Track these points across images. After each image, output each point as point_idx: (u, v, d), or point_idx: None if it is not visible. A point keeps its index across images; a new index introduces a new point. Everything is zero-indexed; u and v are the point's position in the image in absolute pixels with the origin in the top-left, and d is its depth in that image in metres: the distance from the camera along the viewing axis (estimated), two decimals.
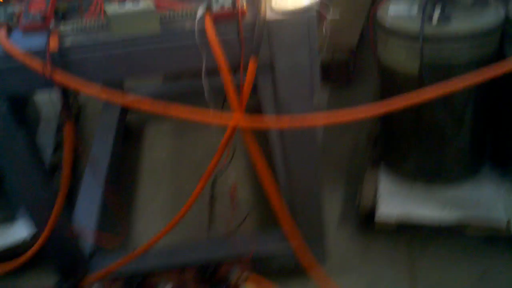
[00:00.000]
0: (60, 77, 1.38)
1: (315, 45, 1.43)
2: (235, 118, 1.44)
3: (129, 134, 2.95)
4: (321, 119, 1.51)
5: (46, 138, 2.63)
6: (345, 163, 2.53)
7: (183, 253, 1.95)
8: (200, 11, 1.36)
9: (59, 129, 2.75)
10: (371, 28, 1.95)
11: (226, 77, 1.39)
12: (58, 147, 2.62)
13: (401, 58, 1.84)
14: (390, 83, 1.97)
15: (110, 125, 2.68)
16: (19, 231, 2.15)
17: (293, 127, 1.57)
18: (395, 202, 2.06)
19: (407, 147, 2.10)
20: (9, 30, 1.47)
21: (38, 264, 2.12)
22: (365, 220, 2.11)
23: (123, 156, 2.74)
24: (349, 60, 3.02)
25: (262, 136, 2.46)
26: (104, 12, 1.39)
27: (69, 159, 1.58)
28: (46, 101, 2.84)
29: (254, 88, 2.75)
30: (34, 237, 1.96)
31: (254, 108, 1.57)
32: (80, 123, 3.05)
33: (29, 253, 1.83)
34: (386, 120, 2.12)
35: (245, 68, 1.42)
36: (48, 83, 1.40)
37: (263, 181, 1.62)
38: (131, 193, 2.56)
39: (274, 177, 1.65)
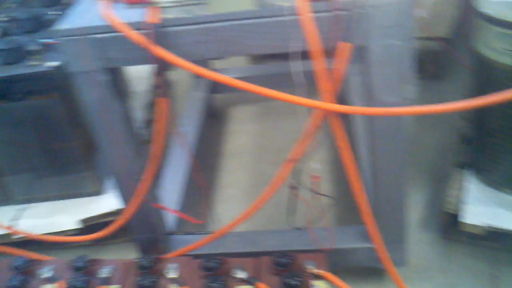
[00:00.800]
0: (159, 50, 1.43)
1: (411, 28, 1.37)
2: (326, 103, 1.42)
3: (214, 115, 3.01)
4: (412, 110, 1.45)
5: (135, 113, 2.72)
6: (431, 164, 2.43)
7: (260, 240, 1.94)
8: None
9: (148, 106, 2.86)
10: (466, 15, 1.85)
11: (318, 58, 1.37)
12: (148, 123, 2.69)
13: (501, 48, 1.72)
14: (487, 76, 1.85)
15: (197, 104, 2.74)
16: (106, 204, 2.25)
17: (383, 116, 1.52)
18: (482, 208, 1.93)
19: (501, 150, 1.96)
20: (112, 2, 1.53)
21: (121, 237, 2.23)
22: (448, 226, 2.01)
23: (207, 135, 2.79)
24: (441, 51, 2.86)
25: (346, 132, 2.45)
26: None
27: (162, 134, 1.62)
28: (137, 77, 2.97)
29: None
30: (120, 211, 2.05)
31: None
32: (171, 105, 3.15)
33: (115, 224, 1.90)
34: (480, 118, 2.00)
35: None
36: (146, 57, 1.45)
37: (348, 174, 1.58)
38: (212, 176, 2.60)
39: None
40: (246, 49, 1.49)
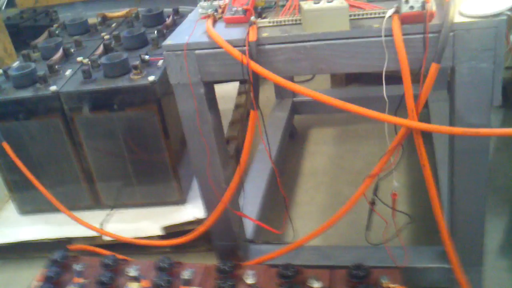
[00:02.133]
0: (255, 66, 1.54)
1: (501, 53, 1.42)
2: (409, 120, 1.48)
3: (295, 135, 3.13)
4: (493, 132, 1.48)
5: None
6: None
7: (335, 255, 1.99)
8: (389, 11, 1.43)
9: (232, 124, 3.02)
10: None
11: (406, 77, 1.44)
12: (228, 141, 2.85)
13: None
14: None
15: (279, 123, 2.86)
16: (188, 213, 2.37)
17: (464, 137, 1.56)
18: None
19: None
20: (214, 21, 1.68)
21: (201, 246, 2.34)
22: None
23: (287, 155, 2.90)
24: None
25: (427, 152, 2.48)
26: (299, 8, 1.53)
27: (249, 145, 1.73)
28: (223, 96, 3.13)
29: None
30: (201, 220, 2.16)
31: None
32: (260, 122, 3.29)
33: (199, 229, 2.01)
34: None
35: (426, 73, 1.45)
36: (242, 72, 1.57)
37: (429, 192, 1.62)
38: (290, 193, 2.68)
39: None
40: (337, 67, 1.57)
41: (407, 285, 1.72)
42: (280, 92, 3.11)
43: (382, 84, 1.46)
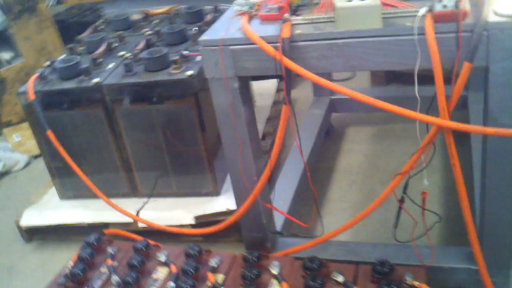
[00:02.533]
0: (288, 62, 1.57)
1: None
2: (441, 118, 1.49)
3: (332, 133, 3.16)
4: None
5: None
6: None
7: (362, 251, 2.01)
8: (422, 10, 1.44)
9: (268, 120, 3.08)
10: None
11: (438, 75, 1.44)
12: (264, 136, 2.91)
13: None
14: None
15: (315, 120, 2.90)
16: (221, 204, 2.44)
17: (496, 137, 1.55)
18: None
19: None
20: (250, 18, 1.73)
21: (231, 236, 2.40)
22: None
23: (323, 152, 2.93)
24: None
25: (464, 154, 2.47)
26: (333, 5, 1.56)
27: (280, 139, 1.76)
28: (261, 93, 3.20)
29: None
30: (232, 211, 2.21)
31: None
32: (292, 117, 3.33)
33: (229, 219, 2.07)
34: None
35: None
36: (275, 67, 1.61)
37: (458, 192, 1.62)
38: (324, 189, 2.71)
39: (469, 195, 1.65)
40: (369, 65, 1.59)
41: (433, 284, 1.72)
42: (318, 89, 3.13)
43: (422, 84, 1.47)
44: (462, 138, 2.58)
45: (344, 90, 1.55)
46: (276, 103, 3.28)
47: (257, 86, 3.38)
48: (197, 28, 2.66)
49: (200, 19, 2.84)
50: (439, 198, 2.48)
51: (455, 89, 1.45)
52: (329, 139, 3.11)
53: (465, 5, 1.42)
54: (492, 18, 1.41)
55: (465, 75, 1.43)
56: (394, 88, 3.40)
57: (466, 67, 1.42)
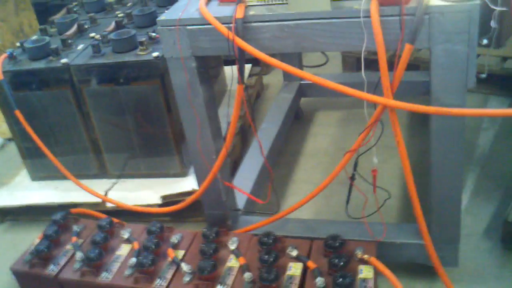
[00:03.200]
0: (240, 42, 1.62)
1: (475, 35, 1.47)
2: (385, 98, 1.55)
3: (301, 116, 3.23)
4: (466, 112, 1.54)
5: (226, 109, 2.96)
6: (506, 178, 2.46)
7: (318, 228, 2.07)
8: None
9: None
10: None
11: (381, 56, 1.50)
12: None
13: None
14: None
15: (284, 104, 2.95)
16: (187, 184, 2.49)
17: (440, 117, 1.61)
18: None
19: None
20: (209, 0, 1.78)
21: (197, 216, 2.46)
22: (510, 236, 2.04)
23: (290, 136, 2.99)
24: None
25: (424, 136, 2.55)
26: None
27: (235, 117, 1.82)
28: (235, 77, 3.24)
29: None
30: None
31: None
32: (259, 101, 3.41)
33: (191, 198, 2.13)
34: None
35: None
36: (230, 47, 1.65)
37: (404, 171, 1.68)
38: (290, 171, 2.77)
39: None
40: (319, 46, 1.65)
41: (385, 259, 1.79)
42: (288, 74, 3.18)
43: (391, 70, 1.53)
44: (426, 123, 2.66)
45: (289, 68, 1.60)
46: (247, 87, 3.32)
47: (230, 70, 3.41)
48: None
49: (172, 2, 2.86)
50: (398, 177, 2.55)
51: (397, 69, 1.51)
52: (298, 123, 3.17)
53: None
54: (433, 2, 1.47)
55: (406, 56, 1.49)
56: (364, 74, 3.44)
57: (407, 49, 1.48)
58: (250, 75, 3.47)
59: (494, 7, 1.46)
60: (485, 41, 1.55)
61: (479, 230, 2.20)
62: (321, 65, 3.79)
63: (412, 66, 2.75)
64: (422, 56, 3.08)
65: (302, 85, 3.16)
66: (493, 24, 1.54)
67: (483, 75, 1.69)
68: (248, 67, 3.54)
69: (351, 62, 3.59)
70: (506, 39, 1.60)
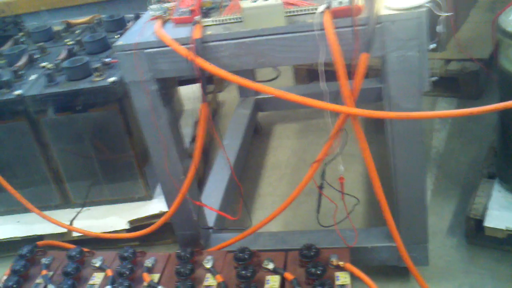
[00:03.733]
0: (200, 61, 1.64)
1: (425, 40, 1.54)
2: (347, 107, 1.59)
3: (260, 131, 3.26)
4: (423, 115, 1.61)
5: (185, 129, 2.95)
6: (464, 176, 2.56)
7: (291, 239, 2.10)
8: (321, 7, 1.54)
9: (197, 123, 3.08)
10: (493, 35, 1.98)
11: (339, 67, 1.55)
12: (194, 139, 2.93)
13: None
14: (509, 89, 1.97)
15: (242, 120, 2.98)
16: (154, 207, 2.48)
17: (399, 121, 1.68)
18: (506, 213, 2.04)
19: None
20: (164, 22, 1.78)
21: (167, 238, 2.45)
22: (473, 231, 2.13)
23: (251, 150, 3.02)
24: (480, 71, 3.00)
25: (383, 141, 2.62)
26: (240, 7, 1.64)
27: (202, 137, 1.83)
28: (189, 97, 3.25)
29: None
30: (165, 213, 2.25)
31: None
32: (217, 118, 3.42)
33: (161, 220, 2.11)
34: (505, 130, 2.11)
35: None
36: (190, 68, 1.67)
37: (370, 174, 1.73)
38: (254, 185, 2.80)
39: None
40: (277, 61, 1.69)
41: (358, 264, 1.83)
42: (243, 90, 3.21)
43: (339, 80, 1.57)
44: (381, 129, 2.74)
45: (247, 83, 1.63)
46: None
47: (184, 90, 3.41)
48: (118, 36, 2.67)
49: (121, 27, 2.85)
50: (361, 183, 2.62)
51: (356, 78, 1.56)
52: (257, 137, 3.20)
53: (359, 0, 1.53)
54: (384, 11, 1.53)
55: (363, 65, 1.54)
56: (316, 85, 3.49)
57: (363, 57, 1.53)
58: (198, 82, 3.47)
59: (439, 13, 1.54)
60: (432, 46, 1.62)
61: (443, 228, 2.28)
62: (274, 79, 3.82)
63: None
64: (371, 63, 3.17)
65: (258, 100, 3.19)
66: (439, 29, 1.62)
67: (435, 78, 1.77)
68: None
69: (302, 75, 3.64)
70: (447, 43, 1.70)
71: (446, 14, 1.52)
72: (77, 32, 3.02)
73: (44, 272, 2.02)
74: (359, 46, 1.54)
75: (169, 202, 2.04)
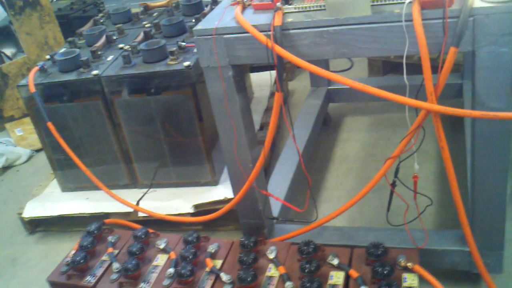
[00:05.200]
0: (279, 49, 1.61)
1: None
2: (428, 103, 1.52)
3: (329, 122, 3.21)
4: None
5: (254, 117, 2.95)
6: None
7: (357, 236, 2.04)
8: None
9: (266, 111, 3.11)
10: None
11: (425, 60, 1.47)
12: (263, 127, 2.96)
13: None
14: None
15: (312, 110, 2.93)
16: (219, 193, 2.49)
17: (484, 120, 1.59)
18: None
19: None
20: (244, 8, 1.76)
21: (230, 225, 2.46)
22: None
23: (319, 142, 2.98)
24: None
25: (460, 141, 2.52)
26: None
27: (274, 125, 1.80)
28: (259, 84, 3.24)
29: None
30: (231, 199, 2.25)
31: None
32: (287, 107, 3.40)
33: (226, 207, 2.11)
34: None
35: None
36: (268, 55, 1.64)
37: (448, 175, 1.65)
38: (321, 178, 2.76)
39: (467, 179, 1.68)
40: (359, 51, 1.62)
41: (427, 266, 1.76)
42: (315, 80, 3.17)
43: (418, 73, 1.51)
44: (457, 126, 2.63)
45: (330, 75, 1.58)
46: (274, 94, 3.32)
47: (255, 77, 3.42)
48: (194, 20, 2.69)
49: (199, 11, 2.87)
50: (433, 182, 2.53)
51: (442, 74, 1.48)
52: (326, 128, 3.15)
53: None
54: (477, 3, 1.44)
55: (451, 60, 1.46)
56: (391, 77, 3.45)
57: (452, 52, 1.45)
58: (275, 81, 3.45)
59: None
60: None
61: None
62: (347, 69, 3.77)
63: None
64: None
65: (330, 90, 3.14)
66: None
67: None
68: (273, 73, 3.53)
69: (377, 66, 3.57)
70: None
71: None
72: (154, 15, 3.07)
73: (110, 250, 2.07)
74: (447, 39, 1.46)
75: (235, 189, 2.03)
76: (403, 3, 1.49)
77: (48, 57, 2.69)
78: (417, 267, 1.72)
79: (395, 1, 1.54)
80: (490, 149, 1.64)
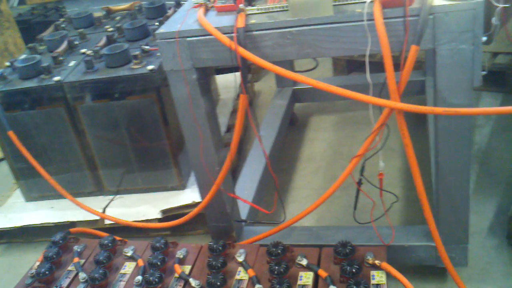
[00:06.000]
0: (243, 51, 1.60)
1: (480, 33, 1.47)
2: (392, 101, 1.53)
3: (296, 122, 3.22)
4: (471, 111, 1.53)
5: (220, 119, 2.95)
6: (505, 173, 2.48)
7: (325, 235, 2.05)
8: None
9: (233, 113, 3.10)
10: None
11: (387, 59, 1.49)
12: (229, 129, 2.95)
13: None
14: None
15: (278, 111, 2.94)
16: (186, 197, 2.46)
17: (446, 117, 1.61)
18: None
19: None
20: (206, 10, 1.75)
21: (198, 229, 2.43)
22: None
23: (286, 142, 2.99)
24: None
25: (423, 138, 2.55)
26: None
27: (239, 128, 1.79)
28: (225, 86, 3.23)
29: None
30: (198, 203, 2.23)
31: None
32: (253, 108, 3.40)
33: (194, 211, 2.09)
34: None
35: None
36: (231, 57, 1.63)
37: (412, 171, 1.67)
38: (288, 178, 2.76)
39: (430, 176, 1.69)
40: (323, 51, 1.63)
41: (394, 263, 1.77)
42: (281, 81, 3.18)
43: (382, 71, 1.52)
44: (420, 122, 2.67)
45: (290, 74, 1.58)
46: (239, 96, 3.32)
47: (221, 79, 3.40)
48: (158, 24, 2.66)
49: (162, 14, 2.85)
50: (399, 179, 2.56)
51: (404, 72, 1.50)
52: (293, 128, 3.16)
53: None
54: (437, 1, 1.47)
55: (412, 58, 1.48)
56: (355, 76, 3.49)
57: (413, 50, 1.47)
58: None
59: (497, 4, 1.47)
60: (484, 39, 1.55)
61: (483, 227, 2.20)
62: (312, 69, 3.78)
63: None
64: None
65: (296, 90, 3.15)
66: (494, 21, 1.55)
67: (484, 72, 1.69)
68: (238, 75, 3.53)
69: (341, 65, 3.60)
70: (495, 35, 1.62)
71: (504, 6, 1.45)
72: (117, 18, 3.03)
73: (76, 259, 2.02)
74: (409, 38, 1.48)
75: (202, 193, 2.01)
76: (365, 2, 1.51)
77: (8, 63, 2.62)
78: (385, 264, 1.74)
79: (357, 1, 1.55)
80: (453, 144, 1.67)
